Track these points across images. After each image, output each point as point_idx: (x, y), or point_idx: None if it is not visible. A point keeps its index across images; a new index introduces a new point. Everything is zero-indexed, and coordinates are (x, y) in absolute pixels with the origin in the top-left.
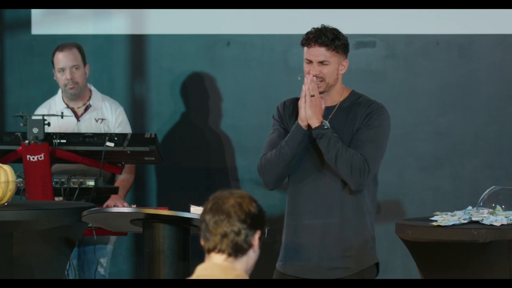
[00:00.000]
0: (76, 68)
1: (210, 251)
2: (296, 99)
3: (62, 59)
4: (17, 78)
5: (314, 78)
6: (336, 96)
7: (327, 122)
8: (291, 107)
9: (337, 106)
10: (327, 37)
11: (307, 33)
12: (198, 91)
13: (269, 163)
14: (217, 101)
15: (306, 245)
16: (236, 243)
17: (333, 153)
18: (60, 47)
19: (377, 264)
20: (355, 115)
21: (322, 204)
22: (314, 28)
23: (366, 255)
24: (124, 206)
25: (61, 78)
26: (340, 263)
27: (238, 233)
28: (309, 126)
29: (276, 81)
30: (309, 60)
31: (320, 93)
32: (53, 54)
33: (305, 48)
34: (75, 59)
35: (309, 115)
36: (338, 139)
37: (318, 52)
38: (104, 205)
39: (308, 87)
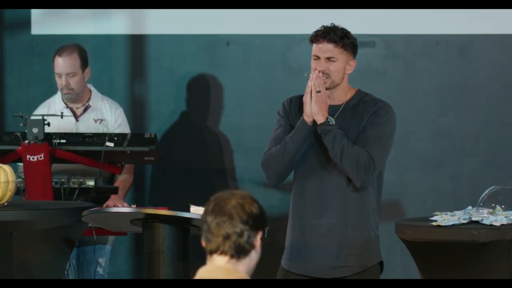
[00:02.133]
0: (72, 76)
1: (212, 252)
2: (302, 96)
3: (59, 64)
4: (17, 78)
5: (320, 74)
6: (342, 95)
7: (332, 118)
8: (297, 104)
9: (343, 105)
10: (336, 34)
11: (316, 30)
12: (198, 91)
13: (273, 158)
14: (217, 101)
15: (311, 243)
16: (238, 244)
17: (339, 149)
18: (60, 51)
19: (381, 263)
20: (361, 113)
21: (327, 202)
22: (323, 26)
23: (370, 254)
24: (124, 206)
25: (58, 82)
26: (344, 262)
27: (240, 235)
28: (314, 122)
29: (276, 81)
30: (316, 56)
31: (325, 89)
32: (54, 55)
33: (314, 44)
34: (72, 66)
35: (315, 111)
36: (343, 136)
37: (326, 48)
38: (104, 205)
39: (314, 82)
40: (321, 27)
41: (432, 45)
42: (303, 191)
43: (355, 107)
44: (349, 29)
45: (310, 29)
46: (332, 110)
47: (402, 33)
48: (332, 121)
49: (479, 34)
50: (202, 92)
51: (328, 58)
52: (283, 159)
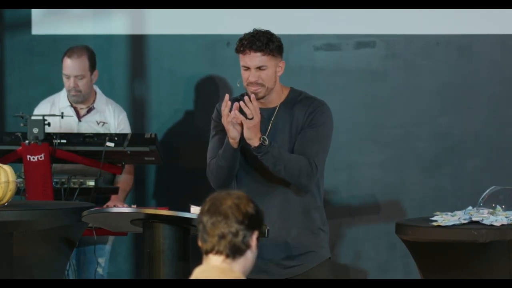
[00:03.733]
0: (80, 78)
1: (208, 252)
2: (235, 99)
3: (69, 66)
4: (17, 78)
5: (253, 96)
6: (276, 97)
7: (265, 137)
8: (232, 107)
9: (278, 106)
10: (261, 42)
11: (240, 40)
12: (198, 91)
13: (211, 172)
14: (217, 101)
15: (263, 246)
16: (234, 244)
17: (280, 166)
18: (70, 52)
19: (329, 259)
20: (297, 113)
21: (267, 205)
22: (246, 34)
23: (320, 251)
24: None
25: (66, 83)
26: (294, 262)
27: (235, 234)
28: (240, 142)
29: None
30: (246, 67)
31: (260, 98)
32: (63, 55)
33: (240, 55)
34: (81, 68)
35: (248, 136)
36: (280, 150)
37: (255, 58)
38: (104, 206)
39: (249, 110)
40: (244, 35)
41: (432, 45)
42: None
43: (290, 107)
44: (349, 29)
45: (310, 29)
46: (268, 112)
47: (402, 33)
48: (265, 139)
49: (479, 34)
50: (202, 92)
51: (259, 67)
52: (220, 174)
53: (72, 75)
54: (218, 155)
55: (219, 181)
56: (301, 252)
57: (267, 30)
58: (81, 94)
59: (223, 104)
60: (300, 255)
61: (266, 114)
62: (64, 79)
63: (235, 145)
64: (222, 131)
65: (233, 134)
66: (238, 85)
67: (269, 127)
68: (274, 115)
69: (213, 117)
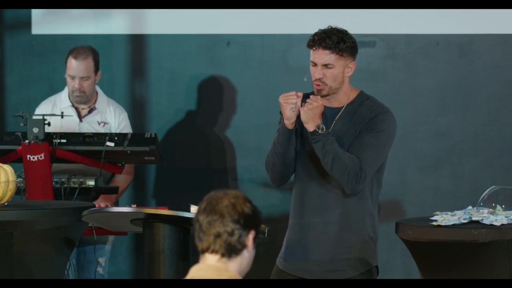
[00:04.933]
0: (86, 80)
1: (204, 251)
2: (304, 95)
3: (74, 67)
4: (17, 78)
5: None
6: (343, 98)
7: (322, 125)
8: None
9: (344, 107)
10: (331, 40)
11: (313, 35)
12: (198, 91)
13: (268, 162)
14: (217, 101)
15: (306, 244)
16: (229, 243)
17: (329, 159)
18: (75, 53)
19: (376, 267)
20: (359, 117)
21: (324, 204)
22: (320, 29)
23: (365, 258)
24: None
25: (70, 84)
26: (338, 266)
27: (231, 234)
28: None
29: (276, 81)
30: (314, 63)
31: (324, 96)
32: (67, 56)
33: (311, 50)
34: (87, 69)
35: (304, 119)
36: (333, 143)
37: (322, 56)
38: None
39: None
40: (318, 31)
41: (432, 45)
42: (302, 193)
43: (355, 110)
44: (349, 29)
45: (310, 29)
46: (332, 113)
47: (402, 33)
48: (322, 128)
49: (479, 34)
50: (202, 92)
51: (325, 65)
52: (276, 162)
53: (78, 77)
54: (273, 141)
55: (276, 175)
56: (347, 257)
57: (342, 29)
58: (85, 95)
59: (286, 93)
60: (345, 259)
61: (330, 113)
62: (68, 80)
63: (290, 126)
64: None
65: (288, 114)
66: (305, 80)
67: (332, 126)
68: (338, 115)
69: (280, 111)
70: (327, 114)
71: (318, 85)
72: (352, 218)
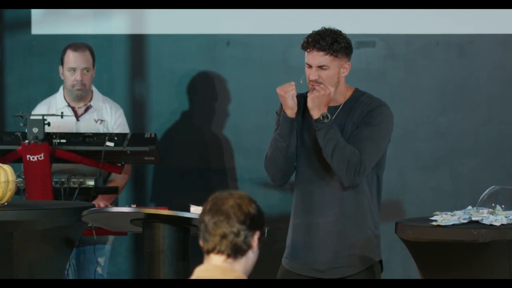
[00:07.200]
0: (87, 71)
1: (209, 252)
2: (300, 95)
3: (75, 59)
4: (17, 78)
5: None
6: (340, 97)
7: (327, 114)
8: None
9: (341, 106)
10: (325, 42)
11: (307, 37)
12: (198, 91)
13: (269, 159)
14: (217, 101)
15: (310, 243)
16: (235, 244)
17: (330, 148)
18: (74, 47)
19: (380, 261)
20: (356, 112)
21: (325, 202)
22: (314, 31)
23: (369, 253)
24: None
25: (70, 77)
26: (343, 262)
27: (237, 234)
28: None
29: (276, 81)
30: (308, 65)
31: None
32: (64, 52)
33: (305, 52)
34: (87, 61)
35: (310, 106)
36: (336, 133)
37: (317, 57)
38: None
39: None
40: (312, 33)
41: (432, 45)
42: (302, 192)
43: (352, 106)
44: (349, 29)
45: (310, 29)
46: (330, 111)
47: (402, 33)
48: (327, 116)
49: (479, 34)
50: (202, 92)
51: (320, 67)
52: (278, 157)
53: (80, 68)
54: (275, 136)
55: (278, 172)
56: (351, 253)
57: (336, 30)
58: (85, 89)
59: (284, 85)
60: (348, 256)
61: (329, 112)
62: (68, 74)
63: (292, 115)
64: None
65: (291, 103)
66: (301, 81)
67: None
68: (335, 114)
69: (277, 111)
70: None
71: (314, 86)
72: (352, 216)
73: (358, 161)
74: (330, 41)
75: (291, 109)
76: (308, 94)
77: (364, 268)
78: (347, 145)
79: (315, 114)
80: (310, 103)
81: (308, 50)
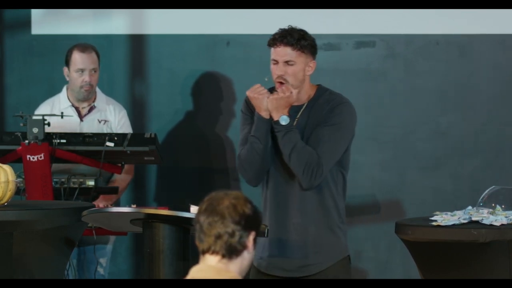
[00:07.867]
0: (95, 71)
1: (204, 252)
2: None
3: (83, 60)
4: (17, 78)
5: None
6: (304, 96)
7: (286, 117)
8: None
9: (305, 105)
10: (293, 37)
11: (274, 34)
12: (198, 91)
13: (245, 160)
14: (217, 101)
15: (277, 243)
16: (230, 244)
17: (288, 150)
18: (81, 48)
19: (348, 256)
20: (317, 110)
21: (288, 202)
22: (280, 28)
23: (337, 249)
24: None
25: (78, 78)
26: (311, 260)
27: (232, 235)
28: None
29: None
30: (275, 61)
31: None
32: (70, 53)
33: (272, 48)
34: (94, 62)
35: (270, 107)
36: (295, 135)
37: (284, 52)
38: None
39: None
40: (278, 30)
41: (432, 45)
42: (270, 190)
43: (313, 105)
44: (349, 29)
45: (310, 29)
46: (294, 110)
47: (402, 33)
48: (285, 120)
49: (479, 34)
50: (202, 92)
51: (286, 62)
52: (255, 159)
53: (88, 69)
54: (250, 138)
55: (255, 173)
56: (318, 250)
57: (302, 29)
58: (92, 89)
59: (254, 87)
60: (317, 253)
61: (292, 111)
62: (76, 75)
63: (267, 116)
64: (252, 124)
65: (265, 105)
66: (266, 79)
67: (294, 124)
68: (299, 113)
69: (242, 109)
70: (290, 112)
71: (280, 82)
72: (317, 213)
73: (315, 164)
74: (297, 37)
75: (265, 111)
76: (270, 96)
77: (331, 264)
78: (305, 148)
79: (274, 116)
80: (269, 104)
81: (275, 45)
